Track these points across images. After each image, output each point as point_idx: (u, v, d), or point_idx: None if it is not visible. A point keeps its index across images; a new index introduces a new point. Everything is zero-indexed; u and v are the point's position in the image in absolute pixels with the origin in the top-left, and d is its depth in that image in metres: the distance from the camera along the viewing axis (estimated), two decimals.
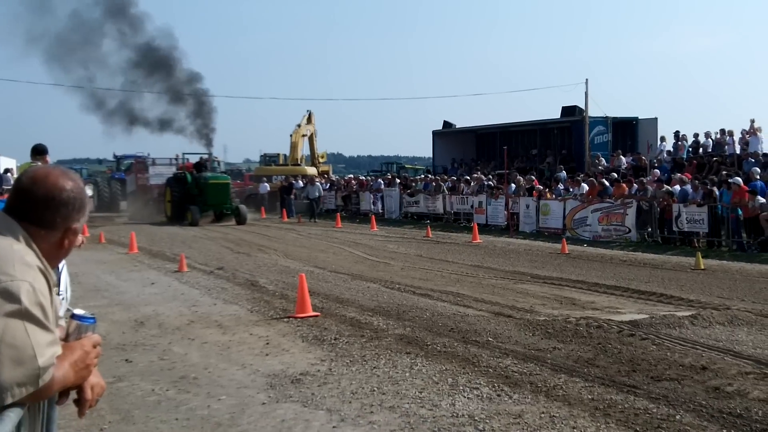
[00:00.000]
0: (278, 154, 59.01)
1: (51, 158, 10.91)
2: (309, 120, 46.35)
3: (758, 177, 23.23)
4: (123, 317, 12.20)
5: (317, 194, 40.91)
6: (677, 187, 24.70)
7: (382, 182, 41.80)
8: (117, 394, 7.88)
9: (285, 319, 11.78)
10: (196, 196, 37.07)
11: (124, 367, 9.00)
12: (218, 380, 8.40)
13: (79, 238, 2.95)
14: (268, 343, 10.15)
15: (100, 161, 60.06)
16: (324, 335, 10.53)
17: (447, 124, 49.90)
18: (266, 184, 47.65)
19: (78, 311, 2.85)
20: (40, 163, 9.65)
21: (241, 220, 36.21)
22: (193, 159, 45.24)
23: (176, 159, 48.36)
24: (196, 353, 9.74)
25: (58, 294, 3.16)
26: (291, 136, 50.14)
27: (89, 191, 55.75)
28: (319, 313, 12.00)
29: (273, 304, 13.25)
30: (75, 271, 16.54)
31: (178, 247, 23.30)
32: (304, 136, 48.62)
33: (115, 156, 55.67)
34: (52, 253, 2.79)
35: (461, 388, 7.87)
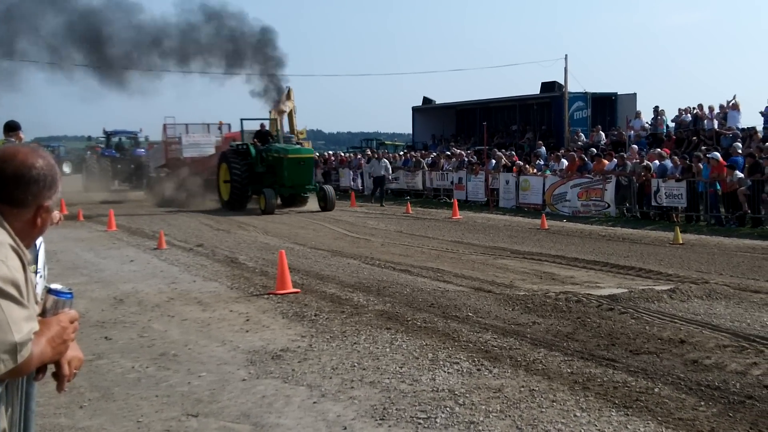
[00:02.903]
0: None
1: (26, 135, 10.78)
2: (288, 96, 45.13)
3: (739, 152, 23.32)
4: (102, 294, 12.15)
5: (383, 172, 34.09)
6: (656, 162, 24.79)
7: (363, 158, 41.60)
8: (97, 371, 7.86)
9: (265, 296, 11.77)
10: (264, 174, 29.51)
11: (103, 345, 8.97)
12: (198, 357, 8.39)
13: (56, 215, 2.92)
14: (248, 320, 10.14)
15: (89, 138, 55.41)
16: (304, 311, 10.53)
17: (427, 100, 49.85)
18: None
19: (55, 286, 2.83)
20: (14, 140, 9.55)
21: (328, 205, 28.90)
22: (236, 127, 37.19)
23: (219, 127, 39.18)
24: (176, 330, 9.72)
25: (35, 272, 3.14)
26: (270, 112, 49.50)
27: (66, 169, 52.59)
28: (299, 290, 11.99)
29: (253, 280, 13.23)
30: (53, 248, 16.48)
31: (157, 224, 23.19)
32: (282, 112, 47.48)
33: (105, 132, 50.50)
34: (26, 232, 2.76)
35: (441, 363, 7.89)
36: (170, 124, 39.05)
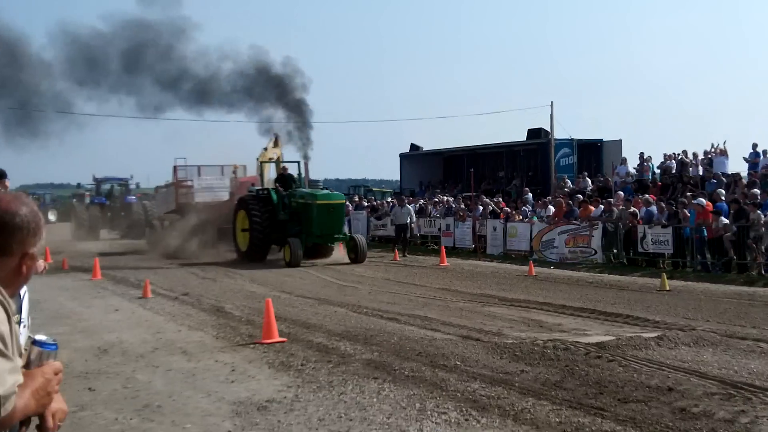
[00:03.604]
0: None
1: (11, 183, 10.74)
2: (276, 143, 44.30)
3: (723, 198, 23.45)
4: (86, 344, 12.04)
5: (406, 220, 31.17)
6: (642, 208, 24.89)
7: (350, 205, 41.47)
8: (79, 423, 7.75)
9: (251, 345, 11.67)
10: (287, 222, 26.99)
11: (86, 396, 8.86)
12: (183, 408, 8.29)
13: (41, 263, 2.90)
14: (233, 370, 10.05)
15: (78, 185, 53.77)
16: (291, 361, 10.44)
17: (414, 147, 50.05)
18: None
19: (39, 337, 2.80)
20: None
21: (359, 256, 26.20)
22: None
23: (234, 170, 35.55)
24: (161, 381, 9.62)
25: (19, 322, 3.10)
26: (257, 159, 48.89)
27: (52, 217, 51.68)
28: (285, 339, 11.91)
29: (239, 329, 13.13)
30: (37, 297, 16.32)
31: (142, 273, 23.07)
32: (270, 159, 46.49)
33: (95, 178, 48.92)
34: (10, 280, 2.73)
35: (429, 413, 7.82)
36: (181, 166, 35.58)
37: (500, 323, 13.35)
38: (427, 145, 50.42)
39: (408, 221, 31.12)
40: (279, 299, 16.56)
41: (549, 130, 38.88)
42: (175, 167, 35.43)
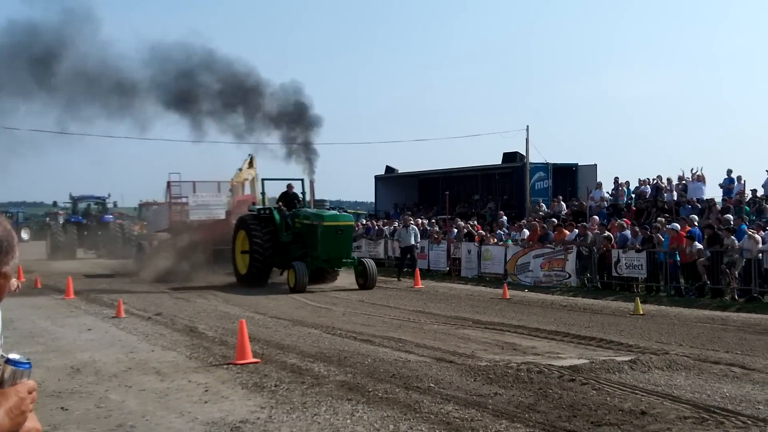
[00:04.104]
0: None
1: None
2: (251, 164, 43.02)
3: (696, 224, 23.67)
4: (59, 364, 11.93)
5: (412, 241, 29.96)
6: (617, 233, 25.05)
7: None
8: None
9: (224, 366, 11.62)
10: (290, 244, 25.40)
11: (59, 415, 8.79)
12: (156, 428, 8.24)
13: (14, 282, 2.88)
14: (207, 390, 9.99)
15: (54, 203, 52.37)
16: (264, 382, 10.40)
17: (389, 169, 50.10)
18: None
19: (13, 356, 2.78)
20: None
21: (368, 282, 24.52)
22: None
23: (231, 187, 33.86)
24: (134, 401, 9.55)
25: None
26: (232, 179, 48.25)
27: (25, 235, 50.67)
28: (259, 360, 11.86)
29: (212, 350, 13.07)
30: (9, 316, 16.18)
31: (115, 293, 22.92)
32: (245, 180, 45.19)
33: (71, 197, 47.64)
34: None
35: None
36: (175, 182, 33.59)
37: (474, 346, 13.37)
38: (402, 168, 50.50)
39: (413, 242, 29.94)
40: (253, 320, 16.50)
41: (524, 153, 39.07)
42: (168, 183, 33.43)
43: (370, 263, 25.25)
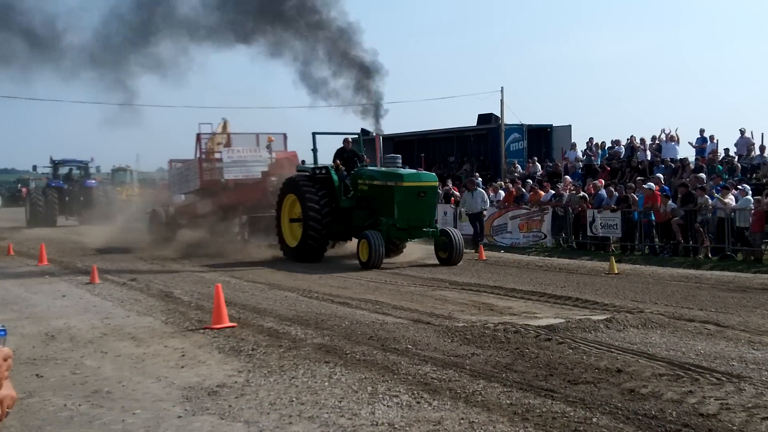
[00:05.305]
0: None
1: None
2: (224, 128, 40.61)
3: (662, 183, 23.87)
4: (33, 331, 11.84)
5: (479, 207, 26.41)
6: (592, 193, 25.17)
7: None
8: (28, 410, 7.61)
9: (201, 331, 11.57)
10: (353, 211, 21.58)
11: (34, 382, 8.72)
12: (132, 394, 8.19)
13: None
14: (183, 355, 9.95)
15: (34, 167, 49.78)
16: (241, 346, 10.37)
17: (365, 132, 49.77)
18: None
19: None
20: None
21: (454, 256, 20.59)
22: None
23: (268, 145, 27.56)
24: (110, 366, 9.49)
25: None
26: (206, 144, 46.92)
27: None
28: (235, 324, 11.82)
29: (188, 315, 13.02)
30: None
31: (89, 258, 22.76)
32: (219, 144, 42.51)
33: (52, 161, 45.27)
34: None
35: (381, 396, 7.81)
36: (206, 134, 28.59)
37: (451, 307, 13.39)
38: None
39: (481, 208, 26.45)
40: (229, 284, 16.44)
41: (499, 115, 39.09)
42: (198, 136, 28.07)
43: (456, 234, 21.20)
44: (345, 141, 23.16)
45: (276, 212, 22.95)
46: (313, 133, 23.18)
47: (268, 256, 22.97)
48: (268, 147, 27.35)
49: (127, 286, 16.89)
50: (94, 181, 44.40)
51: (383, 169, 21.79)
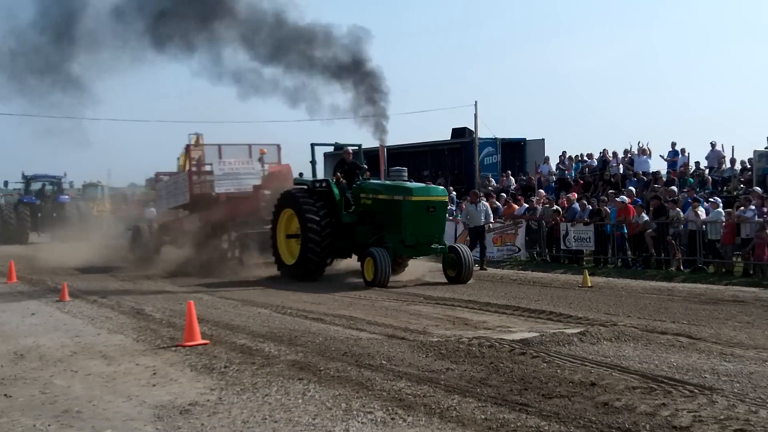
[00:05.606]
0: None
1: None
2: (197, 143, 39.21)
3: (635, 195, 24.12)
4: (1, 350, 11.66)
5: (483, 219, 24.98)
6: (565, 206, 25.28)
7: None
8: None
9: (173, 348, 11.45)
10: (355, 226, 20.69)
11: (2, 402, 8.58)
12: (103, 413, 8.08)
13: None
14: (155, 373, 9.84)
15: (5, 183, 48.00)
16: (213, 363, 10.27)
17: (338, 146, 49.81)
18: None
19: None
20: None
21: (463, 274, 19.69)
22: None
23: (261, 155, 26.23)
24: (80, 385, 9.36)
25: None
26: (178, 159, 45.25)
27: None
28: (208, 341, 11.71)
29: (160, 332, 12.89)
30: None
31: (60, 275, 22.53)
32: (192, 159, 40.77)
33: (24, 176, 44.43)
34: None
35: (355, 413, 7.75)
36: (196, 145, 27.26)
37: (425, 322, 13.36)
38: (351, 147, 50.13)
39: (484, 221, 25.05)
40: (201, 301, 16.33)
41: (473, 129, 39.27)
42: (187, 147, 27.00)
43: (465, 251, 20.25)
44: (346, 152, 22.37)
45: (271, 228, 21.89)
46: (312, 144, 22.47)
47: (262, 275, 22.11)
48: (260, 159, 26.23)
49: (98, 304, 16.72)
50: (67, 197, 43.91)
51: (389, 182, 20.93)
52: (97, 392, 8.99)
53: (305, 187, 21.28)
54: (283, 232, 21.51)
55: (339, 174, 21.51)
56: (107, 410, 8.19)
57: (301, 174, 23.27)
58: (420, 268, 21.75)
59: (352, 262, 21.18)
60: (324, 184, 21.02)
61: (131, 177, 57.54)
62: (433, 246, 19.77)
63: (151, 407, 8.22)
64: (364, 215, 20.53)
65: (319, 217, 20.15)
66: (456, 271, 19.73)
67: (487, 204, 25.76)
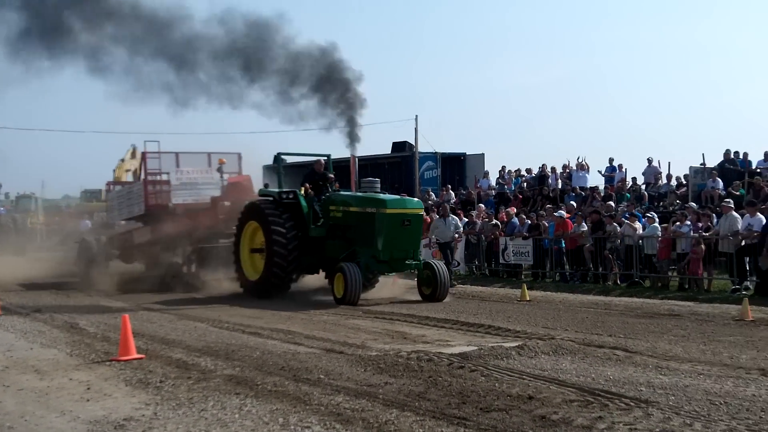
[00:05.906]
0: (100, 190, 52.96)
1: None
2: (133, 155, 36.30)
3: (575, 209, 24.39)
4: None
5: (452, 234, 24.48)
6: (504, 221, 25.49)
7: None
8: None
9: (107, 363, 11.25)
10: (324, 240, 19.81)
11: None
12: (36, 429, 7.90)
13: None
14: (89, 388, 9.65)
15: None
16: (149, 378, 10.11)
17: (276, 158, 49.55)
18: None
19: None
20: None
21: (439, 292, 18.78)
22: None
23: (219, 168, 25.06)
24: (12, 401, 9.14)
25: None
26: (114, 171, 44.79)
27: None
28: (143, 355, 11.53)
29: (94, 346, 12.66)
30: None
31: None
32: (128, 171, 36.58)
33: None
34: None
35: (293, 427, 7.68)
36: (152, 153, 25.04)
37: (364, 336, 13.33)
38: (290, 158, 49.96)
39: (453, 236, 24.42)
40: (136, 315, 16.10)
41: (413, 143, 39.42)
42: (143, 154, 25.47)
43: (441, 267, 19.25)
44: (316, 163, 21.34)
45: (234, 242, 20.86)
46: (278, 154, 21.75)
47: (223, 292, 21.10)
48: (219, 169, 25.02)
49: (31, 318, 16.40)
50: (2, 209, 43.19)
51: (360, 194, 20.08)
52: (30, 407, 8.79)
53: (271, 198, 20.48)
54: (247, 246, 20.58)
55: (307, 185, 20.57)
56: (40, 426, 8.01)
57: (266, 185, 22.08)
58: (389, 284, 21.09)
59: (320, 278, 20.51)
60: (291, 196, 20.14)
61: (66, 189, 56.50)
62: (407, 261, 18.99)
63: (85, 422, 8.06)
64: (334, 229, 19.72)
65: (286, 229, 19.33)
66: (431, 288, 18.95)
67: (456, 218, 25.18)
